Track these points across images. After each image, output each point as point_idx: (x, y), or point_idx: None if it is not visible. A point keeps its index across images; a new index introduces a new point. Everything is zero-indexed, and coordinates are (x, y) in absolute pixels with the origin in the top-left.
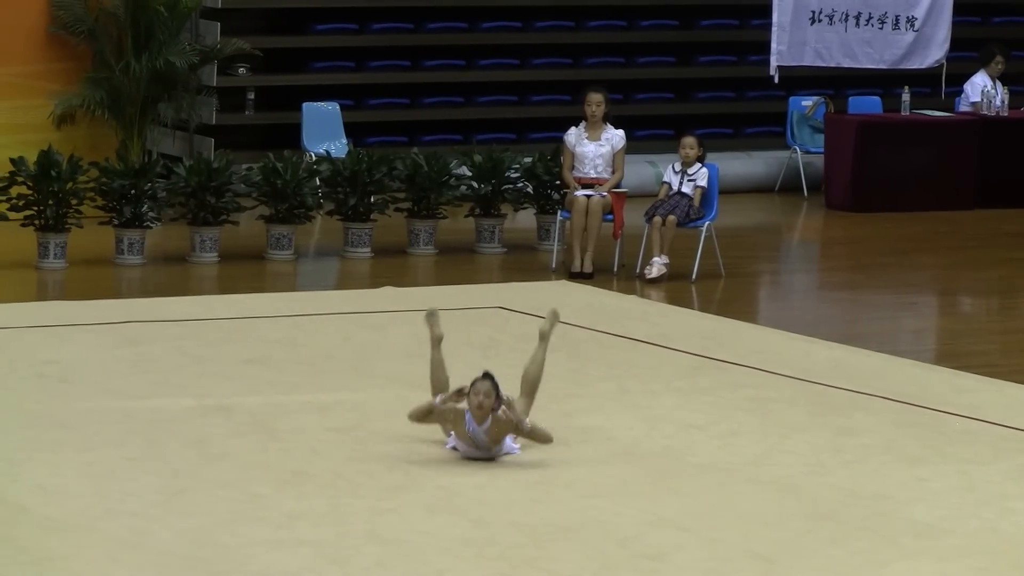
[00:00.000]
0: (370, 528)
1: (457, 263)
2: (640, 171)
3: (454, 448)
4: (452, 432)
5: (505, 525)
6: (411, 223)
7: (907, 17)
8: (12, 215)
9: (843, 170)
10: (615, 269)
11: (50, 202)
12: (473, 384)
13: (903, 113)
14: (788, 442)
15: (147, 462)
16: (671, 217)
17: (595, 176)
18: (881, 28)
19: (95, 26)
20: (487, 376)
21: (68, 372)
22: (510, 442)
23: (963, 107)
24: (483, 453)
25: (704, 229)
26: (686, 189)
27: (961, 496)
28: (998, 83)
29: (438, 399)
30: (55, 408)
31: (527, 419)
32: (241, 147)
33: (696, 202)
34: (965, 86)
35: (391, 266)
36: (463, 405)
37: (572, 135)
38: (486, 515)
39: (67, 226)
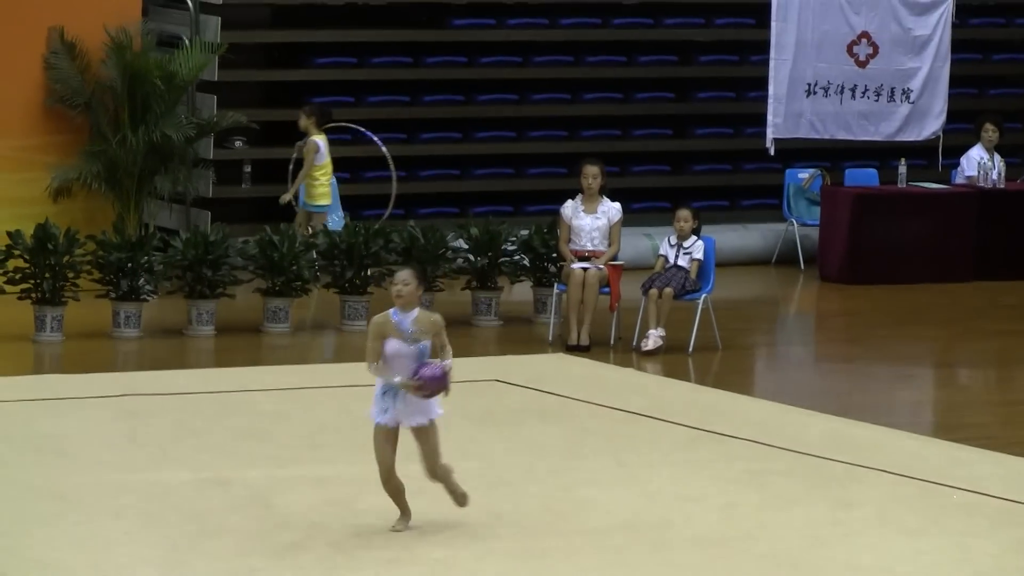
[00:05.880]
0: None
1: (454, 335)
2: (636, 243)
3: (384, 410)
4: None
5: None
6: None
7: (903, 89)
8: (9, 288)
9: (839, 242)
10: (612, 342)
11: (47, 275)
12: (395, 274)
13: (899, 185)
14: (786, 515)
15: (144, 535)
16: (667, 290)
17: (592, 249)
18: (877, 100)
19: (92, 99)
20: (408, 266)
21: (65, 445)
22: (435, 403)
23: (959, 180)
24: (409, 364)
25: (700, 302)
26: (682, 262)
27: (959, 569)
28: (996, 155)
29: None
30: (52, 481)
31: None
32: (238, 220)
33: (692, 275)
34: (961, 160)
35: None
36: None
37: (568, 208)
38: None
39: (64, 299)
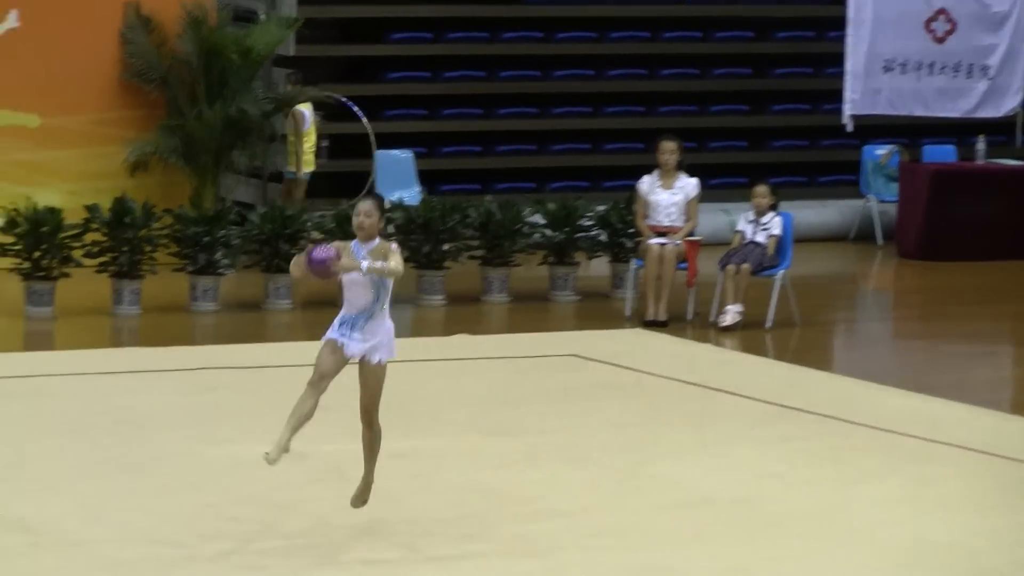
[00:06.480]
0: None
1: (531, 311)
2: (714, 219)
3: (341, 334)
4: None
5: (580, 572)
6: (484, 271)
7: (981, 66)
8: (87, 262)
9: (917, 219)
10: (689, 317)
11: (124, 249)
12: (356, 204)
13: (978, 162)
14: (864, 491)
15: (224, 508)
16: (745, 265)
17: (668, 224)
18: (955, 76)
19: (168, 74)
20: (371, 196)
21: (143, 418)
22: (390, 329)
23: None
24: (365, 292)
25: (778, 277)
26: (760, 238)
27: None
28: None
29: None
30: (131, 453)
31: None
32: (315, 195)
33: (770, 251)
34: None
35: (465, 314)
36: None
37: (645, 183)
38: (561, 562)
39: (141, 273)
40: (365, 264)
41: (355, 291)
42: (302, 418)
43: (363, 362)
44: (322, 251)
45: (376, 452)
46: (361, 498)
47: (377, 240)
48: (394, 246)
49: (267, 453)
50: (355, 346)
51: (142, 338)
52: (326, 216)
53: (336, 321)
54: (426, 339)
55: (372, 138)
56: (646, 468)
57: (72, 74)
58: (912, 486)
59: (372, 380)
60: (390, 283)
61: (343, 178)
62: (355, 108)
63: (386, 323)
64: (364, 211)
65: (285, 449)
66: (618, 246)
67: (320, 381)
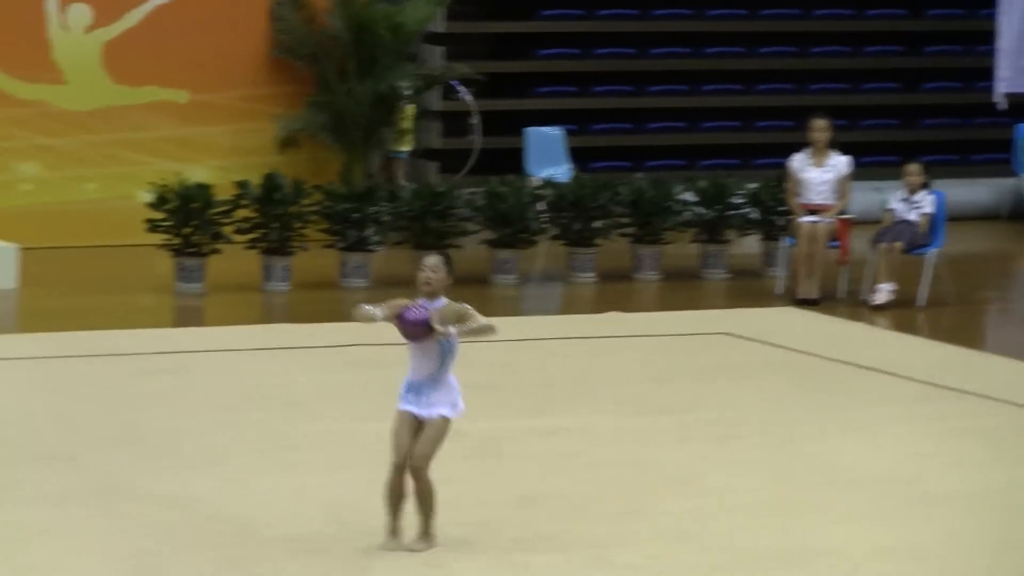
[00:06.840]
0: (598, 554)
1: (682, 289)
2: (866, 198)
3: (409, 402)
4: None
5: (731, 550)
6: (635, 248)
7: None
8: (237, 238)
9: None
10: (841, 296)
11: (275, 225)
12: (422, 260)
13: None
14: (1018, 471)
15: (380, 485)
16: (897, 243)
17: (820, 202)
18: None
19: (317, 50)
20: (438, 253)
21: (295, 395)
22: (454, 384)
23: None
24: (430, 355)
25: (931, 256)
26: (912, 216)
27: None
28: None
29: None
30: (282, 431)
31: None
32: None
33: (922, 229)
34: None
35: (616, 291)
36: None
37: (797, 161)
38: (714, 541)
39: (291, 249)
40: (453, 330)
41: (420, 357)
42: (400, 502)
43: (425, 419)
44: (416, 312)
45: (431, 507)
46: (424, 543)
47: (444, 300)
48: (465, 307)
49: (383, 544)
50: (421, 411)
51: (292, 314)
52: (476, 193)
53: (403, 387)
54: (577, 316)
55: (476, 119)
56: (798, 447)
57: (221, 50)
58: None
59: (429, 431)
60: (457, 350)
61: (492, 155)
62: (459, 86)
63: (449, 382)
64: (431, 267)
65: (395, 534)
66: (769, 224)
67: (404, 460)
